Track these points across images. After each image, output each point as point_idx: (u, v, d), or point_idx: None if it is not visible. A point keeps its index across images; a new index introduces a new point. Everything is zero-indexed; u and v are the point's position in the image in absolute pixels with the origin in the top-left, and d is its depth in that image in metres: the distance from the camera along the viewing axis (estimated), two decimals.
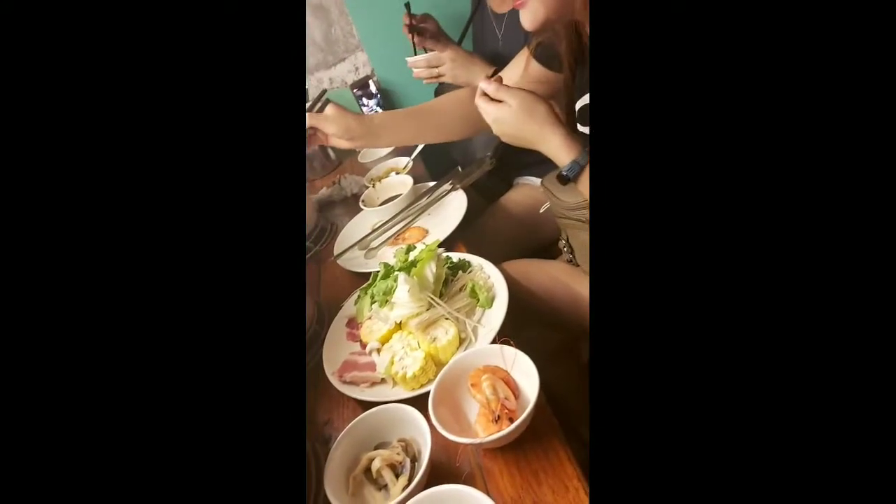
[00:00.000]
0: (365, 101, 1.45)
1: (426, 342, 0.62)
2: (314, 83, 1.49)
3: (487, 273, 0.71)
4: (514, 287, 0.67)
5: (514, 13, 1.04)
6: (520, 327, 0.60)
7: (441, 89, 1.02)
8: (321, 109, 0.79)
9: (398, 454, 0.51)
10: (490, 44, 1.11)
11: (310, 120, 0.77)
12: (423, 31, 1.08)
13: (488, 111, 0.61)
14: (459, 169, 0.99)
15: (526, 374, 0.52)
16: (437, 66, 0.99)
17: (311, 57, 1.47)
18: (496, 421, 0.48)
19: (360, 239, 0.93)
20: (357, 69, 1.50)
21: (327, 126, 0.77)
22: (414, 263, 0.69)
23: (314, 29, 1.44)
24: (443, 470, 0.51)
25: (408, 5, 1.08)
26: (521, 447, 0.50)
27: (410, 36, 1.04)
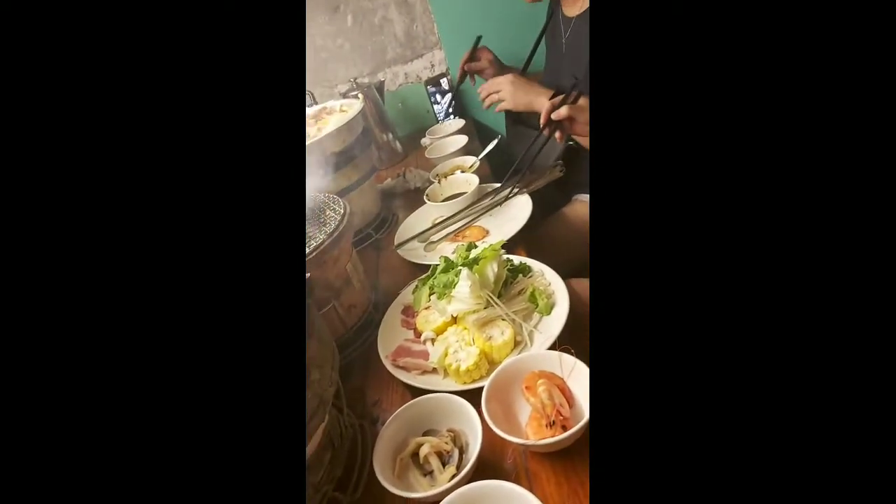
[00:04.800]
0: (438, 97, 1.47)
1: (481, 339, 0.62)
2: (390, 76, 1.53)
3: (548, 280, 0.71)
4: (576, 303, 0.67)
5: (580, 18, 1.04)
6: (578, 340, 0.59)
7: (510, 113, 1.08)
8: (575, 101, 0.82)
9: (447, 443, 0.51)
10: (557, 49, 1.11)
11: (565, 111, 0.81)
12: (480, 68, 1.19)
13: None
14: (526, 173, 0.99)
15: (583, 385, 0.52)
16: (497, 92, 1.01)
17: (391, 50, 1.51)
18: (549, 426, 0.48)
19: (422, 232, 0.94)
20: (433, 66, 1.53)
21: (581, 115, 0.81)
22: (476, 261, 0.69)
23: (397, 24, 1.48)
24: (488, 466, 0.51)
25: (479, 38, 1.13)
26: (569, 456, 0.49)
27: (463, 71, 1.10)
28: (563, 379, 0.54)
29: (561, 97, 0.84)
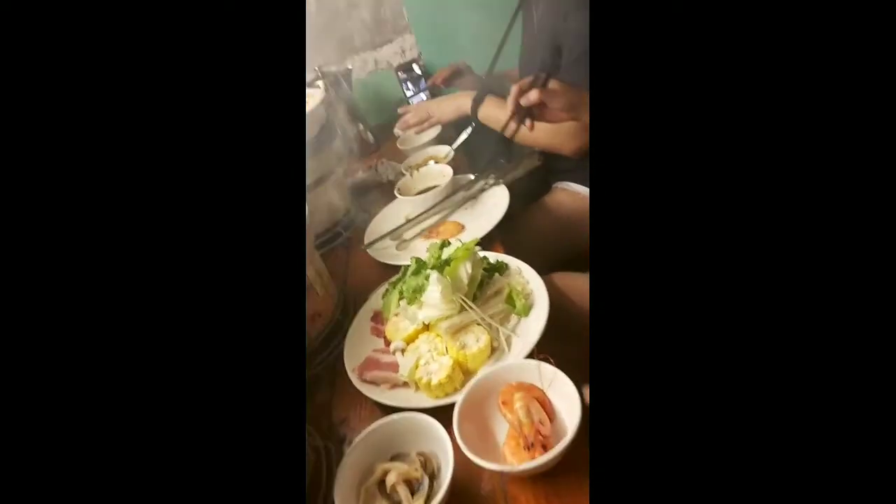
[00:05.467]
0: (409, 85, 1.40)
1: (455, 348, 0.57)
2: (359, 63, 1.45)
3: (526, 278, 0.66)
4: (557, 300, 0.62)
5: None
6: (559, 344, 0.55)
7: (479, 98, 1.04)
8: (544, 84, 0.74)
9: (416, 469, 0.46)
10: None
11: (535, 95, 0.73)
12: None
13: None
14: (503, 162, 0.94)
15: (565, 396, 0.47)
16: (424, 120, 1.11)
17: (359, 37, 1.43)
18: (528, 448, 0.43)
19: (393, 229, 0.89)
20: (404, 52, 1.46)
21: (553, 100, 0.73)
22: (448, 262, 0.64)
23: (363, 8, 1.40)
24: (463, 492, 0.46)
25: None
26: (553, 477, 0.45)
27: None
28: (542, 391, 0.49)
29: (529, 80, 0.77)
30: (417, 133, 1.15)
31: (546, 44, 0.98)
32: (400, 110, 1.16)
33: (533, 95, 0.72)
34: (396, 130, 1.25)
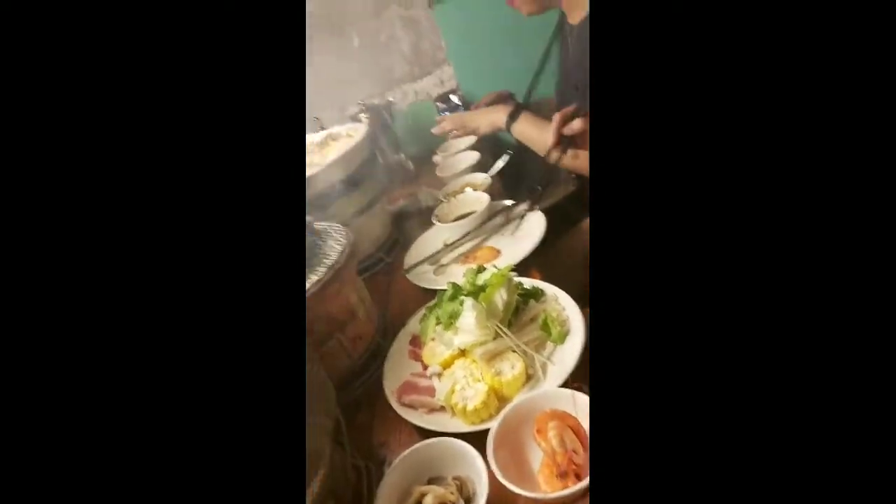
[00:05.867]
0: (448, 114, 1.45)
1: (490, 374, 0.58)
2: (400, 95, 1.52)
3: (562, 305, 0.66)
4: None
5: (584, 23, 0.99)
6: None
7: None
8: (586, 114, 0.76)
9: (452, 493, 0.48)
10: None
11: (579, 124, 0.75)
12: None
13: None
14: (539, 189, 0.95)
15: None
16: (458, 128, 1.15)
17: (399, 69, 1.50)
18: (561, 477, 0.44)
19: (431, 255, 0.92)
20: (442, 82, 1.52)
21: None
22: (483, 287, 0.66)
23: (403, 42, 1.48)
24: None
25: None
26: None
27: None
28: (577, 419, 0.49)
29: (571, 108, 0.79)
30: (453, 138, 1.20)
31: (580, 70, 1.00)
32: (437, 118, 1.20)
33: (577, 125, 0.74)
34: (435, 158, 1.29)
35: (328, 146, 1.00)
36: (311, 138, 1.06)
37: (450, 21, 1.45)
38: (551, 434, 0.47)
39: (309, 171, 0.88)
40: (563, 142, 0.78)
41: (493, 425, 0.50)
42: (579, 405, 0.49)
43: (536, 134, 0.97)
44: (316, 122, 1.19)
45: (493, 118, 1.06)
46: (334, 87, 1.50)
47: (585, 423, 0.49)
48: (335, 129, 1.07)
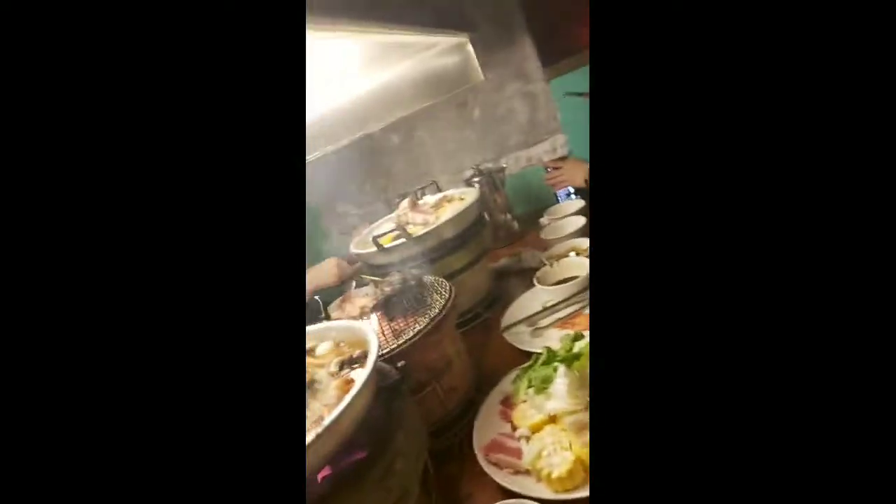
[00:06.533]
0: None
1: (578, 445, 0.58)
2: (512, 161, 1.61)
3: None
4: None
5: None
6: None
7: None
8: None
9: None
10: None
11: None
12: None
13: None
14: None
15: None
16: (558, 177, 1.38)
17: (514, 137, 1.60)
18: None
19: (529, 316, 0.93)
20: (555, 149, 1.57)
21: None
22: (578, 356, 0.66)
23: (520, 114, 1.58)
24: None
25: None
26: None
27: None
28: None
29: None
30: (549, 182, 1.38)
31: None
32: (547, 175, 1.39)
33: None
34: (542, 220, 1.33)
35: (441, 207, 1.10)
36: (427, 199, 1.18)
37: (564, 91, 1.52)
38: None
39: (423, 230, 0.98)
40: None
41: (579, 495, 0.49)
42: None
43: None
44: (433, 185, 1.32)
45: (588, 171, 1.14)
46: (451, 155, 1.65)
47: None
48: (451, 192, 1.18)
